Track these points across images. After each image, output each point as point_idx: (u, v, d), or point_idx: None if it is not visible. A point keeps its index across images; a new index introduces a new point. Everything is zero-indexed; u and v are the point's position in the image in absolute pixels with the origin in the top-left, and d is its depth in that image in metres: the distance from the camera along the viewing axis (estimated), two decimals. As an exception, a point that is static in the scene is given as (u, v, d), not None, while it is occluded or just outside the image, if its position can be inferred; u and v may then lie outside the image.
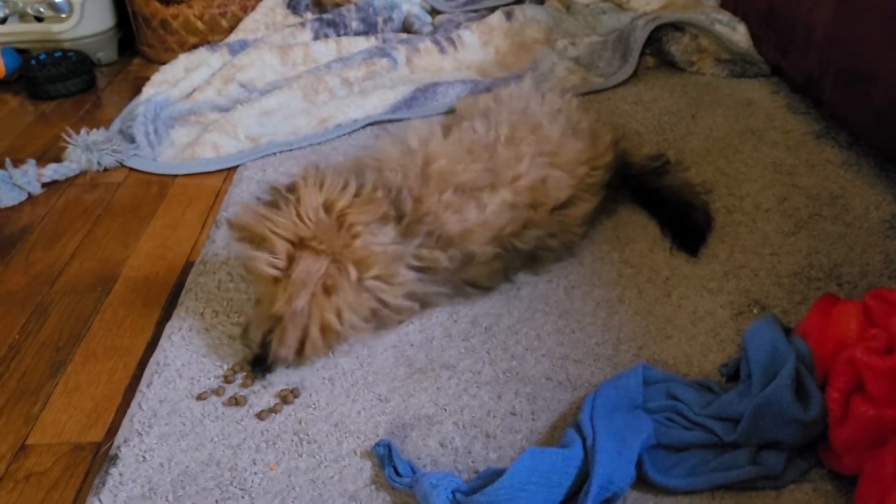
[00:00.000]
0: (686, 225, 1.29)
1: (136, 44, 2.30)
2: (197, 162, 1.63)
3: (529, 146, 1.21)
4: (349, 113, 1.74)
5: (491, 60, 2.00)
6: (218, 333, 1.14)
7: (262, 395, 1.04)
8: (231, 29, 2.18)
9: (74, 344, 1.17)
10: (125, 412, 1.03)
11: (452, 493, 0.85)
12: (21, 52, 2.13)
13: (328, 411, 1.01)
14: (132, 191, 1.57)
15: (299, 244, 1.02)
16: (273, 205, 1.06)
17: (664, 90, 1.77)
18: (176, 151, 1.68)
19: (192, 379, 1.07)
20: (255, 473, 0.93)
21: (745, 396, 0.92)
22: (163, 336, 1.15)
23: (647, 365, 1.01)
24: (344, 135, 1.70)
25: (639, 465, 0.88)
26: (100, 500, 0.90)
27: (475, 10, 2.24)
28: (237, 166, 1.61)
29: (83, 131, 1.65)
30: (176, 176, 1.61)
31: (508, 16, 2.07)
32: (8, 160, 1.57)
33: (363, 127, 1.73)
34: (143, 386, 1.06)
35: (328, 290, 1.02)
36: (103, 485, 0.92)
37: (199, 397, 1.04)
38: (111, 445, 0.98)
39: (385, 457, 0.91)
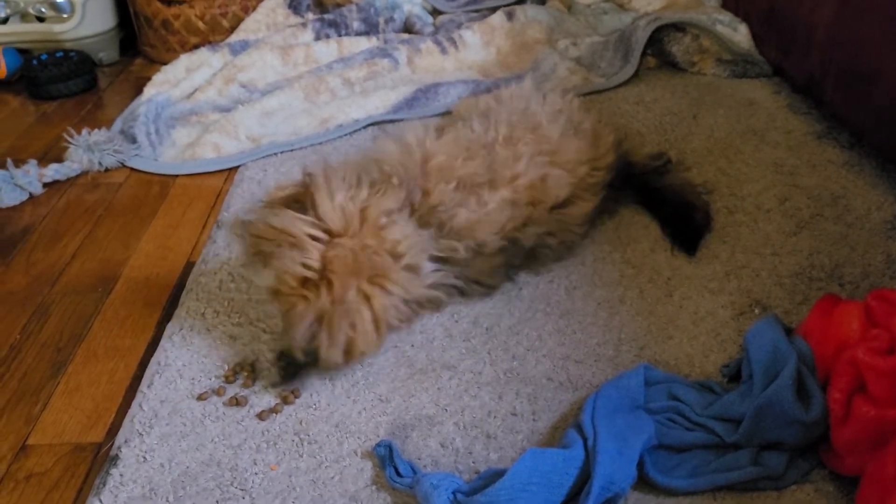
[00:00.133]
0: (686, 224, 1.28)
1: (138, 44, 2.30)
2: (198, 162, 1.63)
3: (527, 146, 1.21)
4: (350, 113, 1.74)
5: (492, 61, 2.00)
6: (219, 333, 1.14)
7: (263, 395, 1.04)
8: (232, 29, 2.18)
9: (75, 344, 1.17)
10: (126, 412, 1.03)
11: (453, 493, 0.85)
12: (22, 52, 2.14)
13: (329, 411, 1.01)
14: (133, 191, 1.57)
15: (329, 241, 1.01)
16: (291, 204, 1.05)
17: (665, 90, 1.77)
18: (177, 152, 1.68)
19: (193, 379, 1.07)
20: (256, 474, 0.93)
21: (747, 397, 0.92)
22: (163, 336, 1.15)
23: (649, 365, 1.01)
24: (345, 135, 1.70)
25: (640, 465, 0.88)
26: (100, 501, 0.90)
27: (476, 11, 2.24)
28: (238, 166, 1.61)
29: (84, 131, 1.65)
30: (177, 176, 1.61)
31: (510, 16, 2.07)
32: (9, 160, 1.57)
33: (364, 127, 1.73)
34: (143, 386, 1.06)
35: (372, 280, 1.01)
36: (104, 485, 0.92)
37: (200, 397, 1.03)
38: (112, 446, 0.98)
39: (386, 457, 0.91)
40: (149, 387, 1.06)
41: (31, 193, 1.57)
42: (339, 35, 2.10)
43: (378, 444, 0.94)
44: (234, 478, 0.92)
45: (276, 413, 1.01)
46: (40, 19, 2.13)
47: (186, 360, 1.10)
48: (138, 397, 1.04)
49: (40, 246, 1.41)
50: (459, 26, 2.08)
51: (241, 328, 1.15)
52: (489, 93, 1.53)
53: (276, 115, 1.75)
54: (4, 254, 1.39)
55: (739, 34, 1.84)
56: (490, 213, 1.12)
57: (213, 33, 2.18)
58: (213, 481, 0.92)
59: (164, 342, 1.13)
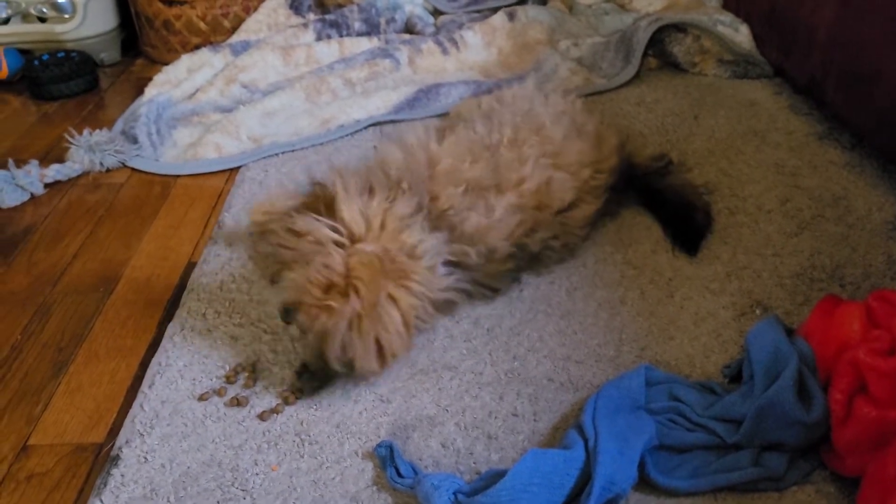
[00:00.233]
0: (687, 225, 1.28)
1: (139, 44, 2.30)
2: (199, 162, 1.63)
3: (532, 148, 1.20)
4: (352, 114, 1.74)
5: (493, 61, 2.00)
6: (220, 334, 1.14)
7: (264, 395, 1.04)
8: (233, 29, 2.18)
9: (77, 344, 1.17)
10: (127, 413, 1.03)
11: (454, 494, 0.85)
12: (24, 52, 2.14)
13: (330, 412, 1.01)
14: (134, 191, 1.58)
15: (350, 246, 1.00)
16: (307, 211, 1.05)
17: (667, 91, 1.77)
18: (178, 152, 1.68)
19: (194, 380, 1.07)
20: (257, 474, 0.93)
21: (748, 398, 0.92)
22: (165, 336, 1.15)
23: (650, 366, 1.01)
24: (346, 135, 1.70)
25: (641, 466, 0.88)
26: (101, 501, 0.90)
27: (478, 11, 2.24)
28: (239, 167, 1.61)
29: (86, 132, 1.65)
30: (178, 176, 1.61)
31: (511, 16, 2.07)
32: (11, 161, 1.57)
33: (366, 128, 1.73)
34: (144, 386, 1.06)
35: (398, 282, 1.00)
36: (105, 485, 0.92)
37: (201, 398, 1.04)
38: (113, 446, 0.98)
39: (387, 458, 0.91)
40: (150, 387, 1.06)
41: (32, 194, 1.57)
42: (341, 35, 2.10)
43: (379, 445, 0.94)
44: (235, 478, 0.92)
45: (277, 413, 1.01)
46: (42, 20, 2.13)
47: (187, 361, 1.10)
48: (139, 397, 1.05)
49: (42, 246, 1.41)
50: (461, 27, 2.08)
51: (243, 328, 1.15)
52: (490, 93, 1.52)
53: (277, 116, 1.75)
54: (6, 254, 1.39)
55: (741, 35, 1.84)
56: (500, 219, 1.12)
57: (215, 34, 2.18)
58: (214, 482, 0.92)
59: (165, 342, 1.13)
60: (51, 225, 1.48)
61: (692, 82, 1.81)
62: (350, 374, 1.01)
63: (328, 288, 0.97)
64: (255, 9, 2.20)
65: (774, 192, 1.37)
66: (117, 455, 0.96)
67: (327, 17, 2.13)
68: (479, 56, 2.01)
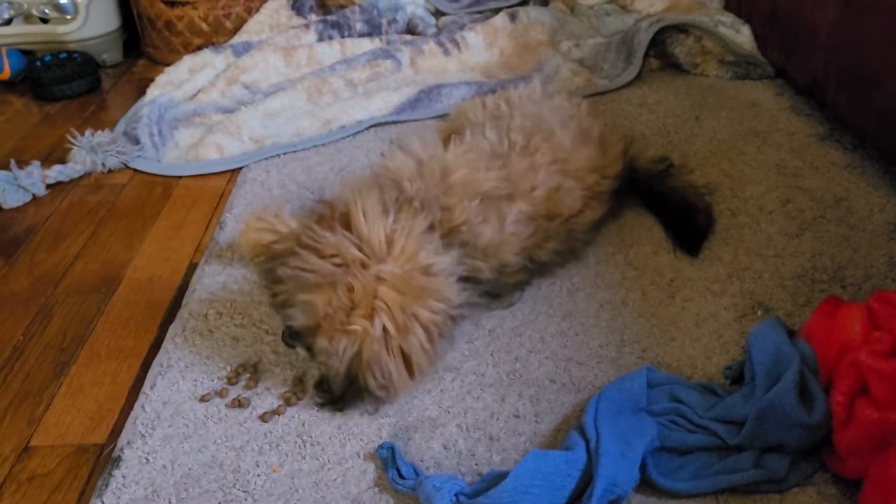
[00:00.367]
0: (688, 226, 1.28)
1: (141, 45, 2.30)
2: (201, 163, 1.64)
3: (544, 156, 1.19)
4: (353, 114, 1.74)
5: (495, 62, 2.00)
6: (221, 335, 1.14)
7: (266, 396, 1.04)
8: (235, 30, 2.18)
9: (78, 345, 1.17)
10: (128, 414, 1.03)
11: (456, 495, 0.85)
12: (26, 53, 2.14)
13: (331, 413, 1.01)
14: (136, 192, 1.58)
15: (371, 266, 0.98)
16: (328, 229, 1.03)
17: (668, 92, 1.77)
18: (180, 153, 1.69)
19: (196, 381, 1.07)
20: (259, 475, 0.93)
21: (749, 399, 0.92)
22: (166, 337, 1.15)
23: (651, 367, 1.01)
24: (348, 136, 1.70)
25: (642, 467, 0.88)
26: (103, 502, 0.90)
27: (479, 12, 2.24)
28: (241, 168, 1.61)
29: (88, 133, 1.66)
30: (180, 177, 1.61)
31: (512, 17, 2.07)
32: (13, 161, 1.58)
33: (367, 128, 1.73)
34: (146, 387, 1.06)
35: (419, 301, 0.98)
36: (106, 487, 0.92)
37: (203, 399, 1.04)
38: (114, 447, 0.98)
39: (388, 459, 0.91)
40: (151, 388, 1.06)
41: (34, 195, 1.57)
42: (342, 36, 2.10)
43: (381, 446, 0.94)
44: (237, 479, 0.92)
45: (279, 415, 1.01)
46: (44, 21, 2.14)
47: (189, 362, 1.10)
48: (141, 398, 1.05)
49: (43, 247, 1.42)
50: (462, 27, 2.08)
51: (244, 329, 1.15)
52: (494, 94, 1.51)
53: (279, 117, 1.76)
54: (8, 255, 1.40)
55: (742, 36, 1.84)
56: (513, 232, 1.11)
57: (217, 34, 2.18)
58: (215, 483, 0.92)
59: (166, 343, 1.14)
60: (52, 226, 1.48)
61: (693, 83, 1.81)
62: (385, 395, 1.00)
63: (350, 310, 0.96)
64: (257, 10, 2.20)
65: (776, 194, 1.37)
66: (119, 456, 0.96)
67: (329, 17, 2.13)
68: (481, 57, 2.01)
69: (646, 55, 1.86)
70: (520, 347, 1.10)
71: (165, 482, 0.93)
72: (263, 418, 1.00)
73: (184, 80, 1.92)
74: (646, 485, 0.88)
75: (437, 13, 2.26)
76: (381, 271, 0.98)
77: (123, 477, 0.93)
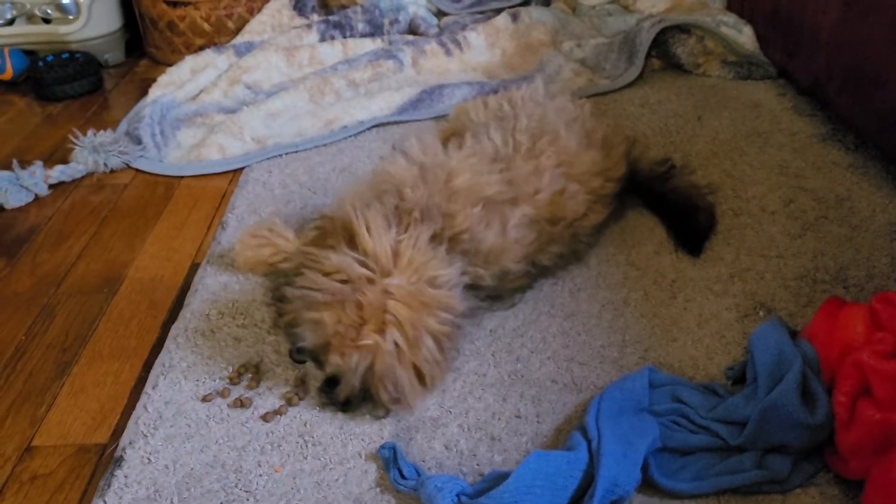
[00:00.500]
0: (690, 226, 1.28)
1: (143, 45, 2.31)
2: (203, 163, 1.64)
3: (549, 159, 1.18)
4: (355, 115, 1.74)
5: (497, 62, 2.00)
6: (223, 335, 1.14)
7: (268, 396, 1.04)
8: (237, 30, 2.18)
9: (80, 345, 1.17)
10: (131, 414, 1.03)
11: (457, 495, 0.85)
12: (28, 53, 2.14)
13: (333, 413, 1.01)
14: (138, 192, 1.58)
15: (378, 281, 0.97)
16: (328, 246, 1.02)
17: (670, 92, 1.77)
18: (182, 153, 1.69)
19: (198, 381, 1.07)
20: (260, 475, 0.93)
21: (751, 400, 0.92)
22: (168, 337, 1.15)
23: (653, 367, 1.01)
24: (350, 136, 1.70)
25: (644, 468, 0.88)
26: (105, 502, 0.90)
27: (481, 12, 2.24)
28: (243, 168, 1.61)
29: (90, 133, 1.66)
30: (182, 177, 1.62)
31: (514, 17, 2.07)
32: (15, 161, 1.58)
33: (369, 129, 1.73)
34: (148, 387, 1.06)
35: (428, 312, 0.98)
36: (108, 486, 0.92)
37: (205, 399, 1.04)
38: (116, 447, 0.98)
39: (390, 459, 0.91)
40: (153, 388, 1.06)
41: (36, 195, 1.57)
42: (344, 36, 2.10)
43: (382, 446, 0.94)
44: (239, 479, 0.92)
45: (281, 415, 1.01)
46: (46, 21, 2.14)
47: (191, 362, 1.10)
48: (143, 398, 1.05)
49: (46, 247, 1.42)
50: (464, 28, 2.08)
51: (246, 329, 1.15)
52: (496, 94, 1.50)
53: (280, 117, 1.76)
54: (10, 255, 1.40)
55: (744, 36, 1.83)
56: (515, 239, 1.10)
57: (219, 35, 2.18)
58: (217, 483, 0.92)
59: (168, 343, 1.14)
60: (55, 226, 1.48)
61: (696, 83, 1.81)
62: (396, 408, 0.99)
63: (360, 326, 0.96)
64: (259, 10, 2.20)
65: (778, 194, 1.37)
66: (121, 456, 0.96)
67: (331, 18, 2.13)
68: (483, 57, 2.01)
69: (648, 55, 1.86)
70: (521, 347, 1.10)
71: (167, 482, 0.93)
72: (265, 418, 1.00)
73: (186, 81, 1.92)
74: (647, 485, 0.88)
75: (439, 13, 2.26)
76: (389, 285, 0.97)
77: (125, 477, 0.93)
